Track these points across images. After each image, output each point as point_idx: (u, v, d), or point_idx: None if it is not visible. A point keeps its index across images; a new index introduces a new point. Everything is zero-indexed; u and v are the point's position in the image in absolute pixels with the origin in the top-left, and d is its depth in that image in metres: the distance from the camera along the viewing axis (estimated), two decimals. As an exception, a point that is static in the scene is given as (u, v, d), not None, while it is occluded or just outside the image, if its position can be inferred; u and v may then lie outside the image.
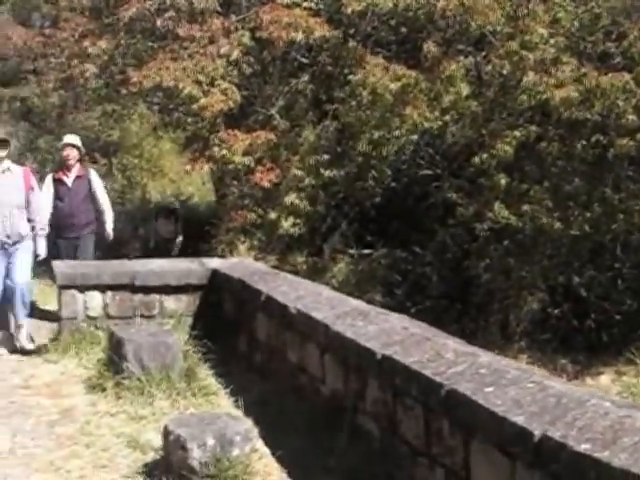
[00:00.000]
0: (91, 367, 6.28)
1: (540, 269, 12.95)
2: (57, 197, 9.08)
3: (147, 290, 7.24)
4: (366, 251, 14.20)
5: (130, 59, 13.84)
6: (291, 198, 12.70)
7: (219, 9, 12.89)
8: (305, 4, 12.35)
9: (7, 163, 7.51)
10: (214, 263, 7.74)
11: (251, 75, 13.47)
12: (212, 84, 12.05)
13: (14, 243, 7.38)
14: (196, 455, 4.18)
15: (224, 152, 12.13)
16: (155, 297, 7.26)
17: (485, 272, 13.09)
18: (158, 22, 12.82)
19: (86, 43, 13.21)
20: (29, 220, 7.55)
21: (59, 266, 7.55)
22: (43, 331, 7.69)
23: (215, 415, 4.72)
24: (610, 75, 11.78)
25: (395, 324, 4.83)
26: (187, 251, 12.87)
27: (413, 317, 5.30)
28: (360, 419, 4.61)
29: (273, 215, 12.99)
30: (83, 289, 7.18)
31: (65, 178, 9.18)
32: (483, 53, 12.99)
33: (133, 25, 13.29)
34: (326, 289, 6.46)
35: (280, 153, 13.01)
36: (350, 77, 12.63)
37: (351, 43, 12.95)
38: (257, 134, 12.43)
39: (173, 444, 4.29)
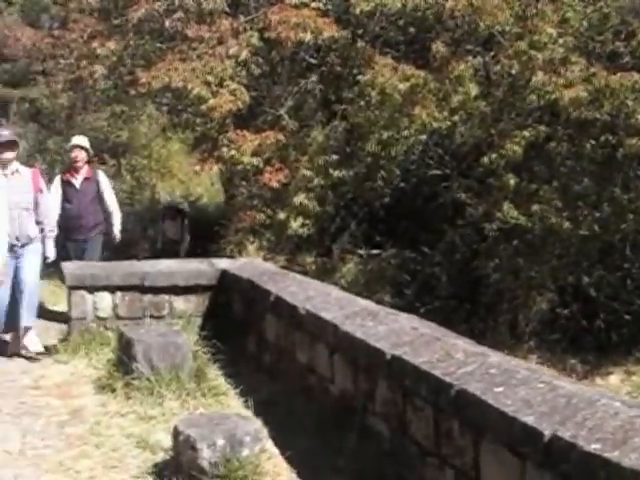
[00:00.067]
0: (101, 367, 6.28)
1: (549, 269, 12.92)
2: (65, 199, 9.10)
3: (156, 291, 7.25)
4: (375, 251, 14.18)
5: (139, 60, 13.84)
6: (300, 198, 12.68)
7: (227, 10, 12.89)
8: (313, 4, 12.32)
9: (16, 165, 7.49)
10: (223, 263, 7.73)
11: (260, 75, 13.47)
12: (221, 85, 12.04)
13: (23, 245, 7.33)
14: (206, 455, 4.18)
15: (233, 153, 12.12)
16: (164, 297, 7.27)
17: (494, 272, 13.06)
18: (167, 23, 12.82)
19: (95, 44, 13.23)
20: (38, 222, 7.51)
21: (68, 267, 7.56)
22: (52, 332, 7.70)
23: (225, 415, 4.72)
24: (619, 75, 11.73)
25: (404, 324, 4.83)
26: (196, 251, 12.90)
27: (422, 317, 5.30)
28: (370, 419, 4.61)
29: (282, 215, 12.98)
30: (92, 290, 7.20)
31: (73, 180, 9.20)
32: (492, 53, 12.96)
33: (142, 26, 13.29)
34: (335, 289, 6.45)
35: (289, 153, 13.00)
36: (359, 77, 12.59)
37: (360, 43, 12.93)
38: (266, 134, 12.42)
39: (183, 444, 4.29)
